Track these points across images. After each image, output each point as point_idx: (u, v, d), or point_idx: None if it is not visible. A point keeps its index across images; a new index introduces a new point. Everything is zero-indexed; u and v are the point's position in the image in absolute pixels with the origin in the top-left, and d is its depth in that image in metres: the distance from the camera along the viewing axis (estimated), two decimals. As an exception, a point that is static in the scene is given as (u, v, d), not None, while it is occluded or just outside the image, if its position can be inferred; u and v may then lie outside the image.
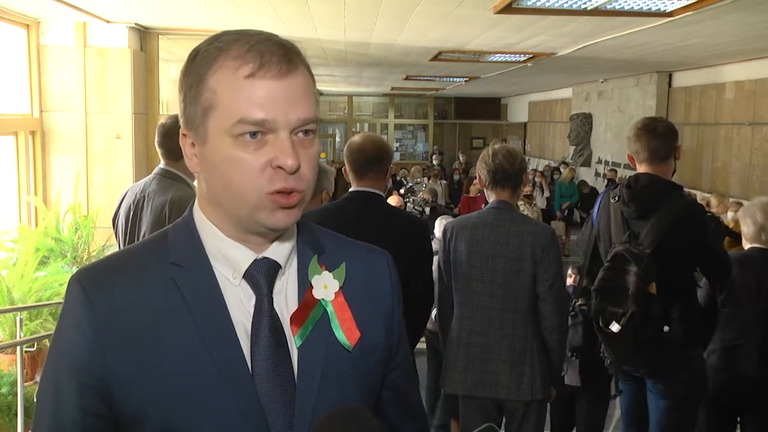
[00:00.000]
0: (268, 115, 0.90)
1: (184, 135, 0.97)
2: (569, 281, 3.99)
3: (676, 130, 2.91)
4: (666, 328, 2.73)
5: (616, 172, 11.50)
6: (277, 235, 0.99)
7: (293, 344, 0.98)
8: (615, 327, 2.74)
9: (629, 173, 3.05)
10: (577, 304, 3.50)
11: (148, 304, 0.94)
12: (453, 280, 2.90)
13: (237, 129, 0.90)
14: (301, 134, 0.93)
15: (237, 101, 0.90)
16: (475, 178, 11.73)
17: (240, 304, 0.97)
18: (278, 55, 0.92)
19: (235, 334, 0.95)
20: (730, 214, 7.39)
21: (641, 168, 2.87)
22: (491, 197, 2.89)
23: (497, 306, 2.79)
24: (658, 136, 2.81)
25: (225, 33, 0.95)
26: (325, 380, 0.98)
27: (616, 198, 2.91)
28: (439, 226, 5.01)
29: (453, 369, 2.89)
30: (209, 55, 0.93)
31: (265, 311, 0.97)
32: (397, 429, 1.15)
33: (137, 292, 0.95)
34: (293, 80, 0.93)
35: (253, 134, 0.90)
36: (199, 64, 0.93)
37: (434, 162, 15.56)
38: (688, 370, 2.83)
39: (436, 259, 3.06)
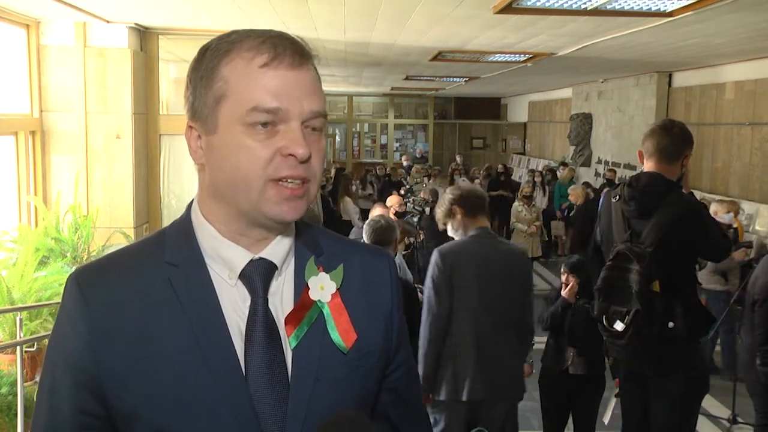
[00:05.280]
0: (282, 104, 0.91)
1: (190, 127, 0.98)
2: (563, 278, 4.00)
3: (692, 137, 2.91)
4: (671, 325, 2.74)
5: (615, 172, 11.49)
6: (279, 229, 0.99)
7: (288, 346, 0.97)
8: (619, 326, 2.75)
9: (629, 173, 3.07)
10: (580, 302, 3.56)
11: (143, 303, 0.95)
12: (455, 300, 3.17)
13: (250, 117, 0.91)
14: (309, 129, 0.94)
15: (251, 89, 0.91)
16: (476, 178, 11.63)
17: (235, 304, 0.97)
18: (291, 48, 0.93)
19: (229, 334, 0.95)
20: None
21: (648, 165, 2.88)
22: (470, 226, 3.28)
23: (498, 318, 3.18)
24: (671, 136, 2.83)
25: (234, 31, 0.96)
26: (320, 382, 0.97)
27: (617, 197, 2.92)
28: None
29: (464, 378, 3.16)
30: (220, 48, 0.94)
31: (260, 312, 0.97)
32: (398, 430, 1.14)
33: (133, 291, 0.95)
34: (306, 73, 0.94)
35: (265, 124, 0.91)
36: (210, 57, 0.94)
37: (404, 162, 15.04)
38: (690, 367, 2.83)
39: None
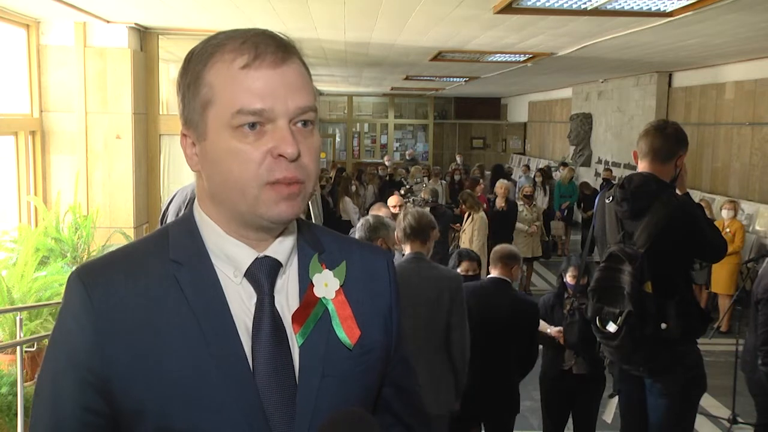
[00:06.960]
0: (266, 104, 0.90)
1: (185, 135, 0.98)
2: (568, 279, 4.00)
3: (686, 137, 2.91)
4: (663, 326, 2.74)
5: (611, 171, 11.48)
6: (280, 229, 0.99)
7: (294, 342, 0.98)
8: (612, 327, 2.75)
9: (628, 173, 3.07)
10: (575, 303, 3.55)
11: (148, 300, 0.94)
12: None
13: (236, 120, 0.91)
14: (300, 124, 0.94)
15: (234, 92, 0.91)
16: (476, 178, 11.49)
17: (241, 302, 0.97)
18: (273, 45, 0.93)
19: (237, 331, 0.95)
20: (724, 212, 7.40)
21: (641, 166, 2.89)
22: (407, 250, 3.40)
23: (421, 336, 3.20)
24: (664, 136, 2.83)
25: (219, 33, 0.96)
26: (326, 378, 0.98)
27: (610, 198, 2.92)
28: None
29: None
30: (204, 52, 0.94)
31: (266, 310, 0.97)
32: (402, 420, 1.16)
33: (137, 288, 0.95)
34: (289, 69, 0.93)
35: (252, 125, 0.91)
36: (195, 62, 0.94)
37: (386, 162, 14.54)
38: (685, 367, 2.83)
39: None
